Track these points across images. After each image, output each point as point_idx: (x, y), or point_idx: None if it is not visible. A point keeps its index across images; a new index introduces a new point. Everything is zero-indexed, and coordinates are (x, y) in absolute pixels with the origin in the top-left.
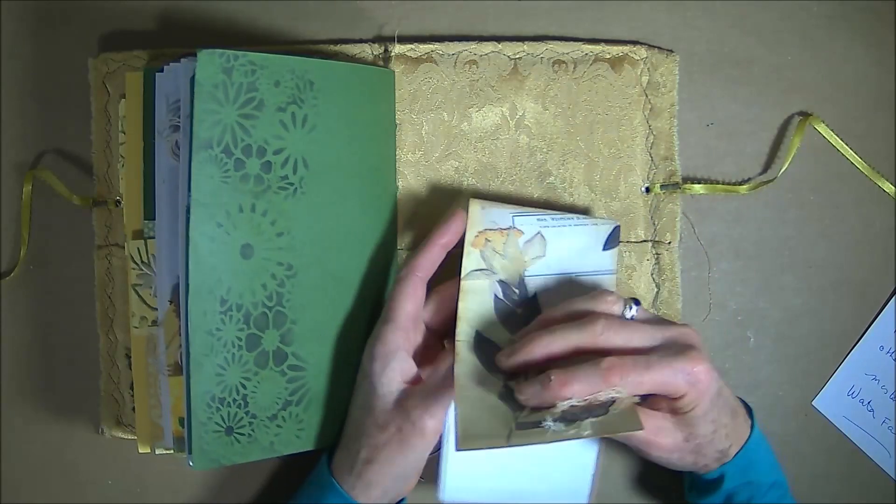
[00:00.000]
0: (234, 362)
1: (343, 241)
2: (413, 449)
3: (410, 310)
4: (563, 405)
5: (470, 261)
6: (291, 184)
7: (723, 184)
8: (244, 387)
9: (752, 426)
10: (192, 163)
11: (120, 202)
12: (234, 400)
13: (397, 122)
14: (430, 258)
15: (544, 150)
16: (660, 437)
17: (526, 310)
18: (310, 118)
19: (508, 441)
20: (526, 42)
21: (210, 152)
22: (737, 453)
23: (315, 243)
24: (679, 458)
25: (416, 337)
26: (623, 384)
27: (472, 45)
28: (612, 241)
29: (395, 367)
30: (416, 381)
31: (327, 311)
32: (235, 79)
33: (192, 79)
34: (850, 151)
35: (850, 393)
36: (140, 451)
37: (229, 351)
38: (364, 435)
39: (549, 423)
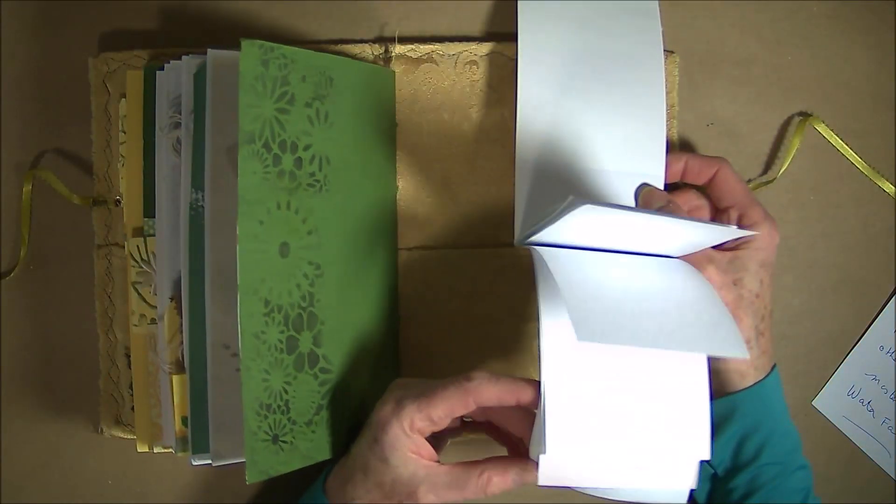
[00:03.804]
0: (277, 366)
1: (357, 239)
2: None
3: (445, 415)
4: None
5: None
6: (318, 181)
7: None
8: (286, 392)
9: (774, 368)
10: (240, 157)
11: (120, 201)
12: (279, 406)
13: (397, 122)
14: (501, 399)
15: None
16: (710, 265)
17: None
18: (330, 115)
19: None
20: None
21: (253, 147)
22: (753, 385)
23: (338, 242)
24: None
25: (439, 427)
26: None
27: (472, 46)
28: None
29: (410, 447)
30: (427, 456)
31: (347, 311)
32: (271, 72)
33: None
34: (850, 151)
35: (850, 393)
36: (139, 450)
37: (272, 354)
38: (363, 489)
39: None
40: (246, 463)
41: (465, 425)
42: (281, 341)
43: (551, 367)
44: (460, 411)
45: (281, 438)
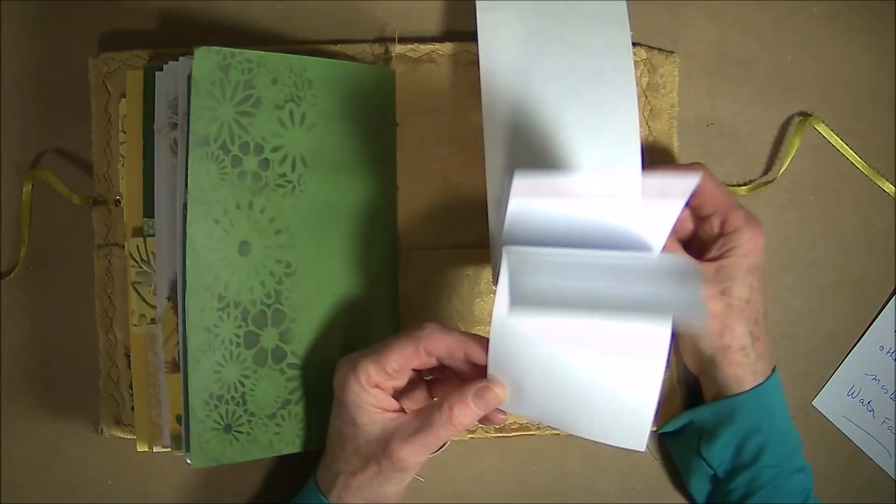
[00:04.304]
0: (233, 360)
1: (343, 240)
2: (391, 483)
3: (400, 366)
4: None
5: None
6: (290, 181)
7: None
8: (242, 385)
9: (774, 371)
10: (189, 159)
11: (119, 201)
12: (233, 398)
13: (397, 122)
14: (451, 349)
15: None
16: None
17: None
18: (309, 116)
19: None
20: None
21: (207, 149)
22: (752, 389)
23: (314, 241)
24: (709, 315)
25: (398, 381)
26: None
27: (472, 46)
28: None
29: (371, 402)
30: (393, 409)
31: (327, 310)
32: (232, 76)
33: (189, 76)
34: (850, 151)
35: (850, 393)
36: (139, 450)
37: (227, 348)
38: (343, 460)
39: None
40: (191, 449)
41: (428, 386)
42: (238, 336)
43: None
44: (414, 361)
45: (235, 429)
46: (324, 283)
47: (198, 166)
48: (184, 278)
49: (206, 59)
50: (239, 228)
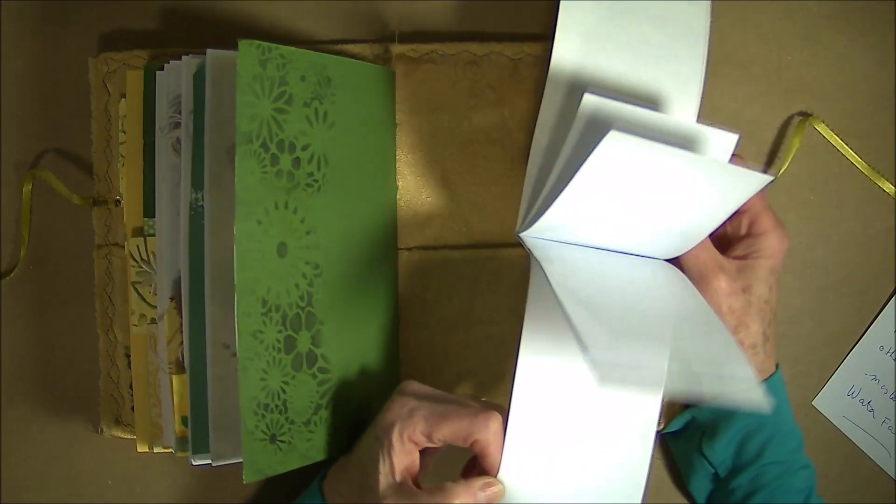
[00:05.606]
0: (275, 365)
1: (355, 240)
2: None
3: (447, 440)
4: None
5: None
6: (316, 181)
7: None
8: (284, 392)
9: (777, 369)
10: (237, 157)
11: (119, 202)
12: (276, 406)
13: (397, 122)
14: (483, 454)
15: None
16: (721, 273)
17: None
18: (329, 114)
19: None
20: (527, 43)
21: (250, 147)
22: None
23: (336, 242)
24: (728, 310)
25: (435, 447)
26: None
27: (473, 46)
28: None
29: (399, 455)
30: (409, 472)
31: (346, 311)
32: (269, 72)
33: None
34: (850, 151)
35: (850, 393)
36: (139, 449)
37: (270, 354)
38: (347, 482)
39: None
40: (243, 462)
41: None
42: (279, 341)
43: (521, 392)
44: (458, 443)
45: (279, 438)
46: (343, 283)
47: (243, 164)
48: (222, 283)
49: (247, 53)
50: (277, 229)
